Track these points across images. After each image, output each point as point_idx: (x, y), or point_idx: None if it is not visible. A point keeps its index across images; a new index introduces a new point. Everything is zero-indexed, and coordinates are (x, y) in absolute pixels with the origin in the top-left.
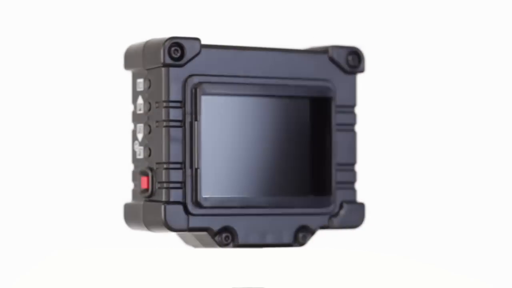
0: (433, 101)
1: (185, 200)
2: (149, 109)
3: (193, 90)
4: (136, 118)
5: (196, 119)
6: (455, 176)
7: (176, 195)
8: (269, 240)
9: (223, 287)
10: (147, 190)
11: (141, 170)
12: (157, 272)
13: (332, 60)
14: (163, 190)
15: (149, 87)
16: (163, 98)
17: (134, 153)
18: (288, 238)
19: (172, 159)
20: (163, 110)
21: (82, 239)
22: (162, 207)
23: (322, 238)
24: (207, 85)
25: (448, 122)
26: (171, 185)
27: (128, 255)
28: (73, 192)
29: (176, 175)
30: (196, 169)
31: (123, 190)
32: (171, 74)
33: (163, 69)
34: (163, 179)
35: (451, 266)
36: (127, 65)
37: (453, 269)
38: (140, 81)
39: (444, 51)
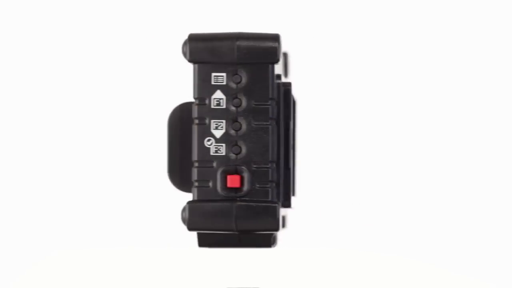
0: (372, 98)
1: (279, 200)
2: (239, 105)
3: (285, 90)
4: (209, 112)
5: (291, 119)
6: (457, 175)
7: (275, 195)
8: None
9: (219, 286)
10: (239, 189)
11: (229, 168)
12: (155, 272)
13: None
14: (267, 190)
15: (240, 82)
16: (270, 96)
17: (204, 149)
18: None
19: (273, 158)
20: (269, 108)
21: (84, 239)
22: (277, 207)
23: (318, 238)
24: (293, 86)
25: (455, 121)
26: (273, 184)
27: (127, 254)
28: (73, 192)
29: (276, 175)
30: (289, 169)
31: (123, 190)
32: (274, 72)
33: (271, 66)
34: (269, 178)
35: (451, 266)
36: (194, 57)
37: (453, 269)
38: (219, 75)
39: (379, 45)
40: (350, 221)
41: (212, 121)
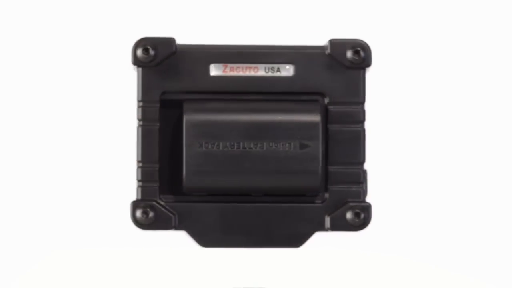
0: (440, 101)
1: None
2: None
3: None
4: None
5: None
6: (457, 175)
7: None
8: None
9: (224, 286)
10: None
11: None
12: (158, 272)
13: None
14: None
15: None
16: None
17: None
18: None
19: None
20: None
21: (84, 238)
22: None
23: (321, 239)
24: None
25: (457, 122)
26: None
27: (128, 255)
28: (72, 191)
29: None
30: None
31: (124, 189)
32: None
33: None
34: None
35: (451, 266)
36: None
37: (453, 269)
38: None
39: (453, 49)
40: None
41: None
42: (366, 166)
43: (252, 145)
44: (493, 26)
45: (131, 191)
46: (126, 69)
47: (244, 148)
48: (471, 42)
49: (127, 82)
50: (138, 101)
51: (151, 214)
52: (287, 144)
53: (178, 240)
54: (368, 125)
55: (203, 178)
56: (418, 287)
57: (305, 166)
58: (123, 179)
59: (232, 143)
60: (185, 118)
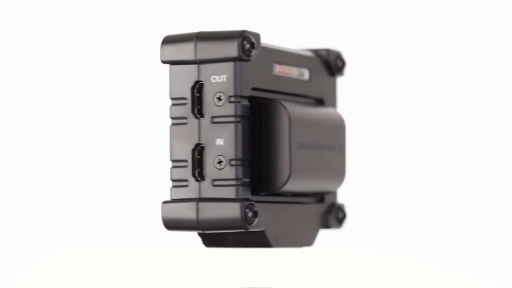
0: (416, 102)
1: None
2: None
3: None
4: None
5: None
6: (451, 175)
7: None
8: None
9: (229, 286)
10: None
11: None
12: (160, 272)
13: None
14: None
15: None
16: None
17: None
18: None
19: None
20: None
21: (83, 239)
22: None
23: (323, 238)
24: None
25: (433, 122)
26: None
27: (128, 255)
28: (71, 192)
29: None
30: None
31: (124, 190)
32: None
33: None
34: None
35: (451, 266)
36: None
37: (453, 269)
38: None
39: (426, 52)
40: (349, 221)
41: None
42: (366, 167)
43: (322, 147)
44: (469, 34)
45: (130, 191)
46: (144, 68)
47: (319, 150)
48: (440, 47)
49: (144, 80)
50: (230, 96)
51: (259, 213)
52: (334, 147)
53: (178, 240)
54: (360, 126)
55: (300, 179)
56: (418, 287)
57: (341, 168)
58: (124, 179)
59: (315, 144)
60: (291, 118)
